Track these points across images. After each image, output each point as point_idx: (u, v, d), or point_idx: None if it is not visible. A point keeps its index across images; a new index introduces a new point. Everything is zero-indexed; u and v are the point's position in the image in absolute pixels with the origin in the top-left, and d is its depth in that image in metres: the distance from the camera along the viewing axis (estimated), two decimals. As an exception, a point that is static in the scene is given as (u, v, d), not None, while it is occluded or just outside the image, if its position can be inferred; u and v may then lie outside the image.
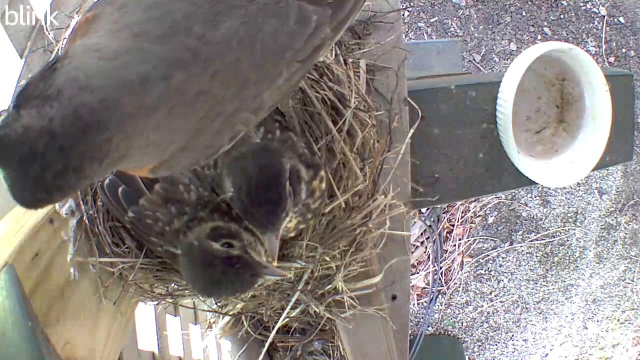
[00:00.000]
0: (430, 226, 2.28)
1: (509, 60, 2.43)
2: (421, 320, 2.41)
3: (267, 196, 0.56)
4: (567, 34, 2.51)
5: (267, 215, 0.57)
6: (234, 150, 0.58)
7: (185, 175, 0.68)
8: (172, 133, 0.44)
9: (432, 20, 2.41)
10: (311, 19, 0.51)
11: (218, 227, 0.64)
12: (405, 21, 2.36)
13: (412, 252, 2.33)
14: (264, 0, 0.50)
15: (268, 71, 0.51)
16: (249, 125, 0.53)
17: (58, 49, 0.79)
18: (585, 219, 2.58)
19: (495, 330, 2.57)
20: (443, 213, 2.38)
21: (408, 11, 2.38)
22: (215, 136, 0.50)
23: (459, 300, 2.52)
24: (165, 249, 0.70)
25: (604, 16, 2.54)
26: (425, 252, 2.39)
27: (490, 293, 2.54)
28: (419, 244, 2.37)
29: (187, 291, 0.81)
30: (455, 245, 2.44)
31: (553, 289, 2.59)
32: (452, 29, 2.42)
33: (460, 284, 2.49)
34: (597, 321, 2.67)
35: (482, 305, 2.53)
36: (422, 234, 2.36)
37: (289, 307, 0.81)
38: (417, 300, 2.43)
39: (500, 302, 2.55)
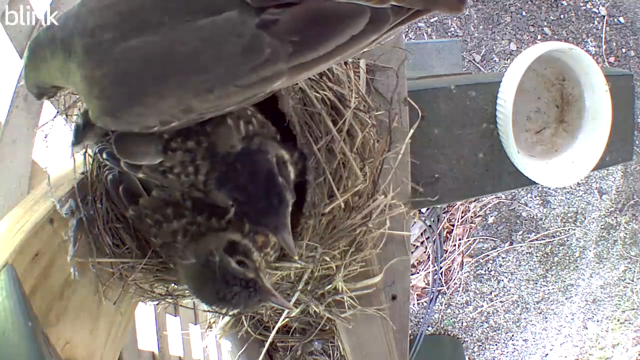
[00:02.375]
0: (430, 226, 2.28)
1: (509, 60, 2.43)
2: (421, 320, 2.41)
3: (270, 204, 0.59)
4: (567, 34, 2.51)
5: (275, 220, 0.59)
6: (219, 164, 0.61)
7: (177, 189, 0.68)
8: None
9: (432, 20, 2.41)
10: (263, 50, 0.51)
11: (234, 242, 0.65)
12: (405, 21, 2.36)
13: (412, 252, 2.33)
14: (221, 22, 0.50)
15: (186, 86, 0.52)
16: (181, 120, 0.55)
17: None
18: (585, 219, 2.58)
19: (495, 330, 2.57)
20: (443, 213, 2.39)
21: (408, 11, 2.38)
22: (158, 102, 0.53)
23: (459, 300, 2.52)
24: (161, 243, 0.70)
25: (604, 16, 2.54)
26: (425, 252, 2.39)
27: (490, 293, 2.54)
28: (419, 244, 2.37)
29: (186, 291, 0.81)
30: (455, 245, 2.44)
31: (553, 289, 2.59)
32: (452, 29, 2.42)
33: (460, 284, 2.49)
34: (597, 321, 2.67)
35: (482, 305, 2.53)
36: (422, 234, 2.36)
37: (289, 307, 0.80)
38: (417, 300, 2.43)
39: (500, 302, 2.55)
